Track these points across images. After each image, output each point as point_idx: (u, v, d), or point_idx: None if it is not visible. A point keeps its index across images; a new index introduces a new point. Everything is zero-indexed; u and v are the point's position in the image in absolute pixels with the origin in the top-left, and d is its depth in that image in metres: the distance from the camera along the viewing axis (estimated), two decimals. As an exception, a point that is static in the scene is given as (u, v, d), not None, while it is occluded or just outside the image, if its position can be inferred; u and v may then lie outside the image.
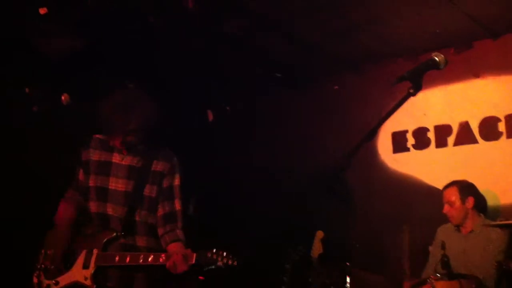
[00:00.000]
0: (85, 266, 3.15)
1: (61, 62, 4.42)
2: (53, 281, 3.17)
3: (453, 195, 4.24)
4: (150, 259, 3.03)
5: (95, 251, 3.16)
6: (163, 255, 3.03)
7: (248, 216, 5.82)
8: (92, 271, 3.11)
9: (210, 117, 6.41)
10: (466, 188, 4.29)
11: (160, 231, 3.29)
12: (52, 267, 3.20)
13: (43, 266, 3.22)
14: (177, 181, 3.38)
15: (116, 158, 3.35)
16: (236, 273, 5.57)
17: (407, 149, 5.26)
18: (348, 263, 4.37)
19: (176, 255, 2.99)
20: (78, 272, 3.15)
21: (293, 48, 5.04)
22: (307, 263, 4.94)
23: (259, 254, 5.66)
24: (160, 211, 3.32)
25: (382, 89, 4.45)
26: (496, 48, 4.72)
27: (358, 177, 5.13)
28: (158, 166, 3.33)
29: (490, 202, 4.57)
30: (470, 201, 4.25)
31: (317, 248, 4.97)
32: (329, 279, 4.72)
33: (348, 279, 4.34)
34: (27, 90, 4.27)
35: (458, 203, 4.23)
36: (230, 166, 6.17)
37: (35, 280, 3.23)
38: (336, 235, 4.94)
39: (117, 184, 3.30)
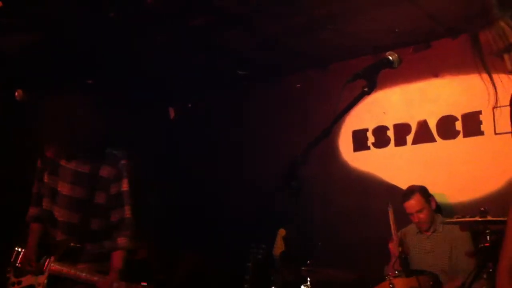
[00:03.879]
0: (42, 272, 3.19)
1: (16, 58, 4.31)
2: (17, 280, 3.23)
3: (420, 202, 4.25)
4: (94, 278, 3.17)
5: (52, 259, 3.20)
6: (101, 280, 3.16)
7: (211, 215, 5.79)
8: (45, 280, 3.15)
9: (172, 114, 6.35)
10: (425, 191, 4.34)
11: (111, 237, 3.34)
12: (20, 266, 3.26)
13: (16, 264, 3.28)
14: (125, 186, 3.36)
15: (63, 160, 3.35)
16: (199, 273, 5.55)
17: (368, 148, 5.30)
18: (309, 261, 4.38)
19: (104, 283, 3.16)
20: (35, 277, 3.20)
21: (256, 44, 5.00)
22: (270, 261, 4.92)
23: (222, 253, 5.64)
24: (111, 219, 3.34)
25: (342, 87, 4.45)
26: (455, 48, 4.77)
27: (319, 175, 5.19)
28: (104, 171, 3.33)
29: (444, 201, 4.66)
30: (433, 202, 4.32)
31: (279, 246, 4.97)
32: (290, 277, 4.72)
33: (308, 278, 4.36)
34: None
35: (426, 207, 4.27)
36: (192, 164, 6.12)
37: (7, 275, 3.29)
38: (298, 232, 4.96)
39: (63, 188, 3.29)
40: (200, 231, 5.74)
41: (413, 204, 4.28)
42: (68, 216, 3.28)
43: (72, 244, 3.25)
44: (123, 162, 3.36)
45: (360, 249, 5.01)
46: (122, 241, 3.30)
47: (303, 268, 4.27)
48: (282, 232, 4.99)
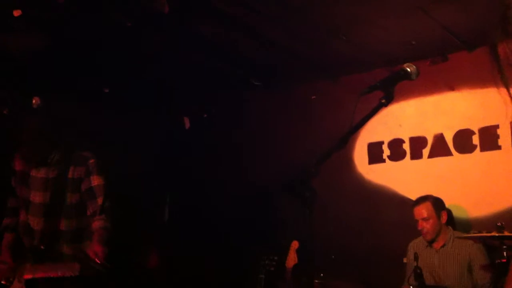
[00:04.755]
0: (20, 280, 3.24)
1: (30, 64, 4.36)
2: None
3: (428, 211, 4.23)
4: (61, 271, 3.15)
5: (27, 266, 3.26)
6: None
7: (222, 224, 5.77)
8: (24, 286, 3.18)
9: (187, 124, 6.36)
10: (438, 203, 4.30)
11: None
12: (4, 282, 3.32)
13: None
14: (95, 182, 3.44)
15: (32, 171, 3.46)
16: (209, 282, 5.54)
17: (383, 160, 5.26)
18: (322, 274, 4.35)
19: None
20: (16, 285, 3.26)
21: (268, 53, 5.00)
22: (282, 273, 4.90)
23: (234, 263, 5.63)
24: (87, 213, 3.41)
25: (356, 98, 4.44)
26: (471, 61, 4.74)
27: (334, 187, 5.16)
28: (75, 172, 3.42)
29: (460, 215, 4.61)
30: (444, 216, 4.27)
31: (292, 259, 4.93)
32: (303, 290, 4.68)
33: (321, 291, 4.33)
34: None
35: (434, 218, 4.22)
36: (203, 174, 6.12)
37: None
38: (311, 245, 4.93)
39: (34, 197, 3.38)
40: (209, 243, 5.75)
41: (420, 210, 4.26)
42: (43, 224, 3.37)
43: (42, 247, 3.31)
44: (91, 161, 3.46)
45: (373, 261, 4.96)
46: (97, 223, 3.35)
47: (316, 281, 4.23)
48: (295, 244, 4.96)
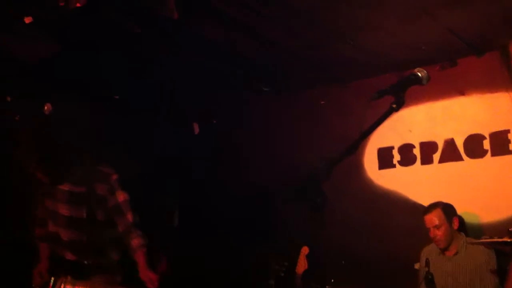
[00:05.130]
0: None
1: (43, 70, 4.38)
2: None
3: (440, 218, 4.19)
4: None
5: (68, 278, 3.27)
6: None
7: (232, 229, 5.78)
8: None
9: (196, 130, 6.38)
10: (449, 209, 4.26)
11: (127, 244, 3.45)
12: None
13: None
14: (121, 198, 3.51)
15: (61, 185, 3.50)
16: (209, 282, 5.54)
17: (393, 166, 5.24)
18: (332, 280, 4.34)
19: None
20: None
21: (275, 57, 5.01)
22: (292, 279, 4.88)
23: (243, 268, 5.62)
24: (119, 229, 3.48)
25: (366, 103, 4.44)
26: (480, 66, 4.73)
27: (344, 192, 5.15)
28: (99, 189, 3.48)
29: (472, 221, 4.58)
30: (456, 222, 4.23)
31: (302, 265, 4.92)
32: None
33: (332, 297, 4.31)
34: (8, 98, 4.26)
35: (445, 225, 4.18)
36: (211, 179, 6.14)
37: None
38: (321, 251, 4.92)
39: (62, 210, 3.45)
40: (219, 248, 5.75)
41: (431, 218, 4.21)
42: (73, 236, 3.44)
43: (84, 261, 3.37)
44: (113, 177, 3.53)
45: (383, 267, 4.94)
46: (136, 241, 3.42)
47: (327, 287, 4.22)
48: (305, 250, 4.94)
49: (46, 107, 3.68)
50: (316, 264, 4.85)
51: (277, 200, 5.64)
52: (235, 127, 6.21)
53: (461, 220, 4.33)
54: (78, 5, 3.50)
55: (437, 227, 4.18)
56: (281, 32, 4.47)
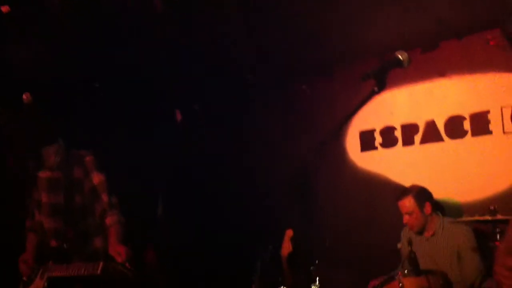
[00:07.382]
0: (42, 277, 3.31)
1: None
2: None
3: (410, 205, 4.22)
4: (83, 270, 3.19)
5: (50, 264, 3.33)
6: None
7: (217, 216, 5.79)
8: (45, 283, 3.25)
9: (178, 116, 6.36)
10: (421, 195, 4.27)
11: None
12: (26, 279, 3.42)
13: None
14: (96, 180, 3.50)
15: (40, 172, 3.55)
16: (206, 272, 5.57)
17: (375, 148, 5.30)
18: (317, 261, 4.39)
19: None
20: (38, 283, 3.32)
21: (260, 48, 4.99)
22: (277, 262, 4.93)
23: (229, 254, 5.65)
24: (96, 214, 3.47)
25: (351, 90, 4.48)
26: (461, 48, 4.78)
27: (327, 176, 5.20)
28: (75, 172, 3.47)
29: (452, 200, 4.66)
30: (428, 207, 4.24)
31: (286, 247, 4.97)
32: (299, 278, 4.72)
33: (317, 278, 4.37)
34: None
35: (416, 211, 4.22)
36: (197, 166, 6.14)
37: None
38: (305, 233, 4.97)
39: (43, 197, 3.50)
40: (205, 233, 5.77)
41: (403, 205, 4.26)
42: (54, 222, 3.41)
43: (63, 245, 3.36)
44: (87, 159, 3.50)
45: (368, 249, 5.00)
46: (110, 219, 3.42)
47: (311, 268, 4.27)
48: (289, 233, 4.99)
49: (25, 97, 3.62)
50: (301, 246, 4.91)
51: (264, 186, 5.67)
52: (227, 121, 6.21)
53: (436, 202, 4.36)
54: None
55: (408, 213, 4.23)
56: (267, 24, 4.46)
